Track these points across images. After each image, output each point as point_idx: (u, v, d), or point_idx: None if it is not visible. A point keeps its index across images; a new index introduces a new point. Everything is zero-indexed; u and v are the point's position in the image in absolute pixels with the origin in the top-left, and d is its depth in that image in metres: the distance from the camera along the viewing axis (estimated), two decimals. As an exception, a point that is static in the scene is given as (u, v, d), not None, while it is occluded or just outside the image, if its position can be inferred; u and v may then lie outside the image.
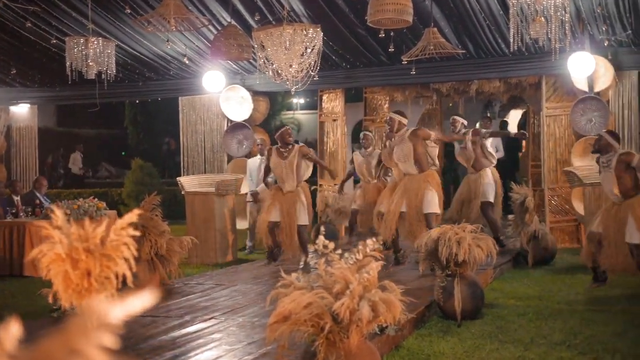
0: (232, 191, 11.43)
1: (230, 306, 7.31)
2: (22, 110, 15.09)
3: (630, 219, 7.51)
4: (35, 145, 15.30)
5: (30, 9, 10.53)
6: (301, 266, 9.25)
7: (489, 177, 10.33)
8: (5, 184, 13.60)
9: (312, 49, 8.37)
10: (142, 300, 1.27)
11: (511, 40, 7.89)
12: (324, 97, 14.04)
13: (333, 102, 13.86)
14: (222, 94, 12.93)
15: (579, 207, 10.89)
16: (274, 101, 27.46)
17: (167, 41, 10.52)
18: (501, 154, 14.08)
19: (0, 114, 14.85)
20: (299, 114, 33.99)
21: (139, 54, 12.34)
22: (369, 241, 4.49)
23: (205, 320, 6.66)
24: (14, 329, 1.23)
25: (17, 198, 11.86)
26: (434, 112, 15.48)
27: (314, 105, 14.51)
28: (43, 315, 6.71)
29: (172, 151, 23.56)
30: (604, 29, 10.17)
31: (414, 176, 8.81)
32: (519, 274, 9.38)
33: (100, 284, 3.29)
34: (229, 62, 12.27)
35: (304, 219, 9.49)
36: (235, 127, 13.06)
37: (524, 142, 18.49)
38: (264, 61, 8.45)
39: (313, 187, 12.87)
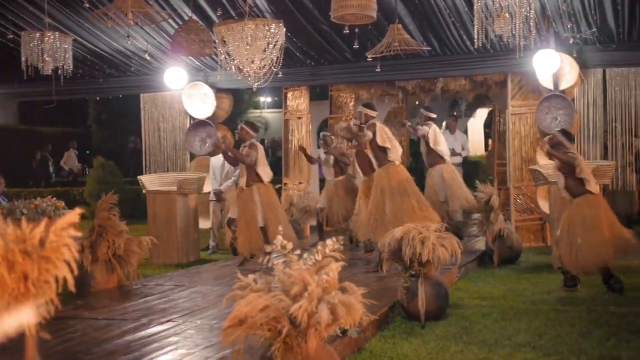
0: (194, 190, 11.21)
1: (189, 308, 7.11)
2: (-20, 108, 14.72)
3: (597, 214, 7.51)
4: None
5: (-15, 2, 10.24)
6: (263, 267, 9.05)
7: (435, 177, 10.33)
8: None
9: (275, 45, 8.20)
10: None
11: (475, 36, 7.79)
12: (289, 95, 13.86)
13: (298, 100, 13.68)
14: (184, 91, 12.69)
15: (544, 206, 10.86)
16: (240, 100, 27.33)
17: (128, 36, 10.28)
18: (467, 152, 14.01)
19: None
20: (266, 112, 33.83)
21: (98, 50, 12.06)
22: (328, 241, 4.34)
23: (162, 323, 6.46)
24: None
25: (-29, 197, 11.53)
26: (400, 111, 15.36)
27: (281, 103, 14.32)
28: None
29: (138, 150, 23.18)
30: (569, 26, 10.13)
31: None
32: (484, 273, 9.29)
33: (38, 288, 3.09)
34: (191, 58, 12.06)
35: (260, 220, 9.19)
36: (197, 124, 12.83)
37: (490, 141, 18.53)
38: (225, 57, 8.25)
39: (278, 186, 12.71)
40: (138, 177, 11.87)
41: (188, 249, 11.04)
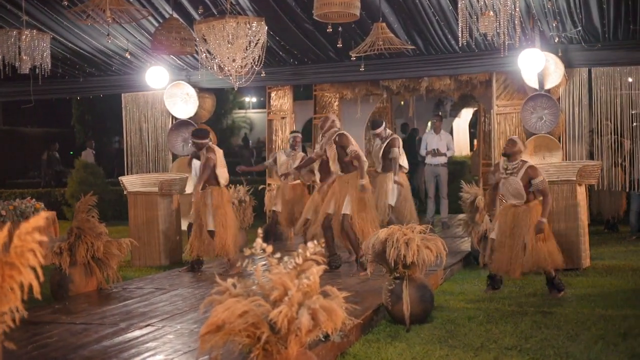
0: (176, 191, 11.05)
1: (169, 312, 6.96)
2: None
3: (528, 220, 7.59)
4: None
5: (-39, 0, 10.03)
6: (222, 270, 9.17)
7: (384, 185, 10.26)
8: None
9: (257, 43, 8.06)
10: None
11: (460, 34, 7.69)
12: (273, 95, 13.73)
13: (281, 100, 13.55)
14: (166, 90, 12.53)
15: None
16: (225, 100, 27.19)
17: (108, 35, 10.09)
18: (452, 152, 13.93)
19: None
20: (251, 112, 33.70)
21: (78, 49, 11.87)
22: (310, 244, 4.21)
23: (141, 328, 6.31)
24: None
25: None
26: (385, 110, 15.27)
27: (266, 104, 14.19)
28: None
29: (122, 150, 22.99)
30: (554, 25, 10.05)
31: (341, 177, 8.75)
32: (470, 274, 9.19)
33: (2, 295, 2.94)
34: (173, 57, 11.90)
35: (210, 223, 9.17)
36: (180, 124, 12.67)
37: (475, 141, 18.48)
38: (206, 55, 8.11)
39: (261, 187, 12.58)
40: (119, 177, 11.71)
41: (170, 251, 10.88)
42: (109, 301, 7.67)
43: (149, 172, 12.69)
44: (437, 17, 10.11)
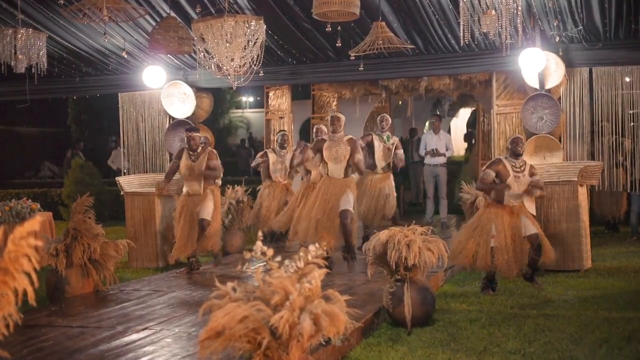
0: (174, 191, 10.93)
1: (166, 315, 6.86)
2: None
3: (522, 217, 7.87)
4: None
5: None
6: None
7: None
8: None
9: (255, 42, 7.96)
10: None
11: (461, 34, 7.61)
12: (271, 94, 13.65)
13: (279, 99, 13.47)
14: (163, 90, 12.41)
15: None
16: (222, 99, 27.06)
17: (105, 34, 10.00)
18: (451, 152, 13.84)
19: None
20: (248, 112, 33.56)
21: (75, 48, 11.74)
22: (311, 247, 4.12)
23: (138, 331, 6.21)
24: None
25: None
26: (383, 110, 15.19)
27: (263, 103, 14.10)
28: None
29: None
30: (555, 24, 9.95)
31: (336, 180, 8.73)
32: (470, 276, 9.09)
33: (-5, 302, 2.84)
34: (170, 56, 11.79)
35: (207, 213, 9.32)
36: (177, 124, 12.56)
37: (473, 141, 18.38)
38: (204, 54, 8.01)
39: (259, 187, 12.49)
40: (116, 178, 11.61)
41: (167, 252, 10.76)
42: (106, 303, 7.57)
43: (146, 172, 12.58)
44: (437, 16, 10.01)
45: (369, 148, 10.52)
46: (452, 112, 24.07)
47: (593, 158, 10.63)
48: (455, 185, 15.14)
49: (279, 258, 4.01)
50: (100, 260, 8.09)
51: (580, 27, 10.02)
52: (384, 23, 9.30)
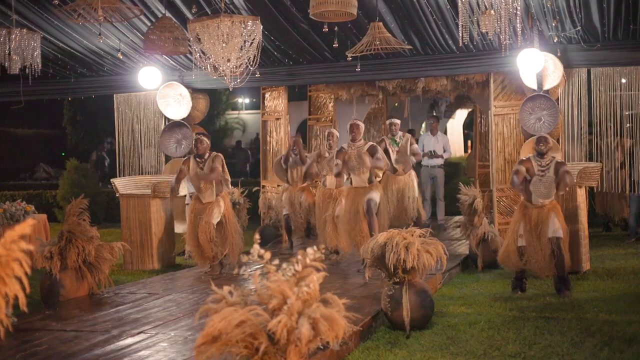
0: (169, 193, 10.85)
1: (162, 318, 6.78)
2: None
3: (552, 217, 7.77)
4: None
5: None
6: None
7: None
8: None
9: (252, 43, 7.88)
10: None
11: (459, 35, 7.54)
12: (267, 95, 13.56)
13: (276, 101, 13.39)
14: (159, 91, 12.32)
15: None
16: (218, 101, 26.95)
17: (100, 34, 9.90)
18: (449, 154, 13.80)
19: None
20: (244, 113, 33.47)
21: (70, 49, 11.65)
22: (309, 250, 4.04)
23: (133, 335, 6.13)
24: None
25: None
26: (380, 111, 15.14)
27: (259, 105, 14.02)
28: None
29: (114, 151, 22.75)
30: (553, 25, 9.88)
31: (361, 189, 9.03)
32: (469, 278, 9.05)
33: (-14, 308, 2.77)
34: (166, 57, 11.70)
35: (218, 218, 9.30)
36: (173, 126, 12.47)
37: (469, 142, 18.34)
38: (200, 55, 7.93)
39: (255, 189, 12.42)
40: (111, 180, 11.52)
41: (163, 254, 10.70)
42: (101, 307, 7.49)
43: (142, 174, 12.49)
44: (434, 17, 9.94)
45: (385, 153, 10.52)
46: (449, 113, 23.98)
47: (591, 159, 10.57)
48: (452, 186, 15.08)
49: (276, 261, 3.94)
50: (95, 263, 8.02)
51: (579, 28, 9.96)
52: (381, 23, 9.23)
